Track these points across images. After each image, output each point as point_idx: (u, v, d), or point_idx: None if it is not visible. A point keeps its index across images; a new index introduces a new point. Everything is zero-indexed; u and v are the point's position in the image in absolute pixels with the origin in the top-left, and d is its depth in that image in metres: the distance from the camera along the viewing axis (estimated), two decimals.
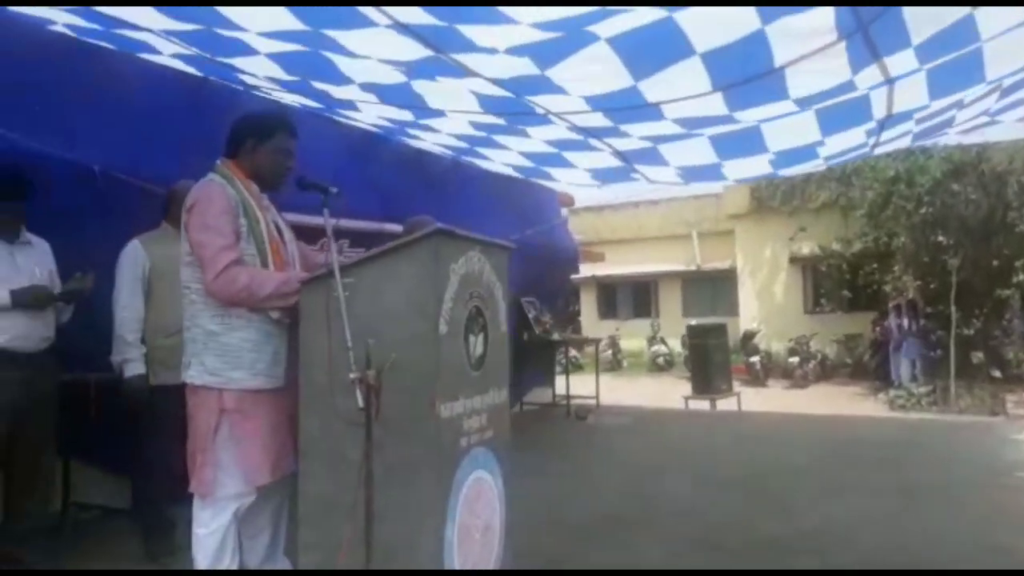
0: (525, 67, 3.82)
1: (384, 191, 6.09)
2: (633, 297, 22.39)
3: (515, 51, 3.63)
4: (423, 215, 4.48)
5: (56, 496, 3.59)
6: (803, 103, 4.37)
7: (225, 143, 2.75)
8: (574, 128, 4.95)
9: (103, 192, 3.97)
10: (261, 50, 3.91)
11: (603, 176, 6.52)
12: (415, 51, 3.66)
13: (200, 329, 2.62)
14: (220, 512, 2.62)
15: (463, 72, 3.93)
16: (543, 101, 4.39)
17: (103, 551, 3.70)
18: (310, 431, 2.53)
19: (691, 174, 6.05)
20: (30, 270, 3.21)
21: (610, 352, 19.62)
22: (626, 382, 15.97)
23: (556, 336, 8.80)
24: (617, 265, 21.69)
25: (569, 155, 5.81)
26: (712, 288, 20.22)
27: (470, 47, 3.57)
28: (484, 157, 6.47)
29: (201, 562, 2.62)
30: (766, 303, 17.61)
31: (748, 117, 4.61)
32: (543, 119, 4.78)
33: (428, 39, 3.52)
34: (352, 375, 2.25)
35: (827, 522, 4.28)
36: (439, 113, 4.92)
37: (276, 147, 2.74)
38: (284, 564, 2.84)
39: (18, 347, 3.11)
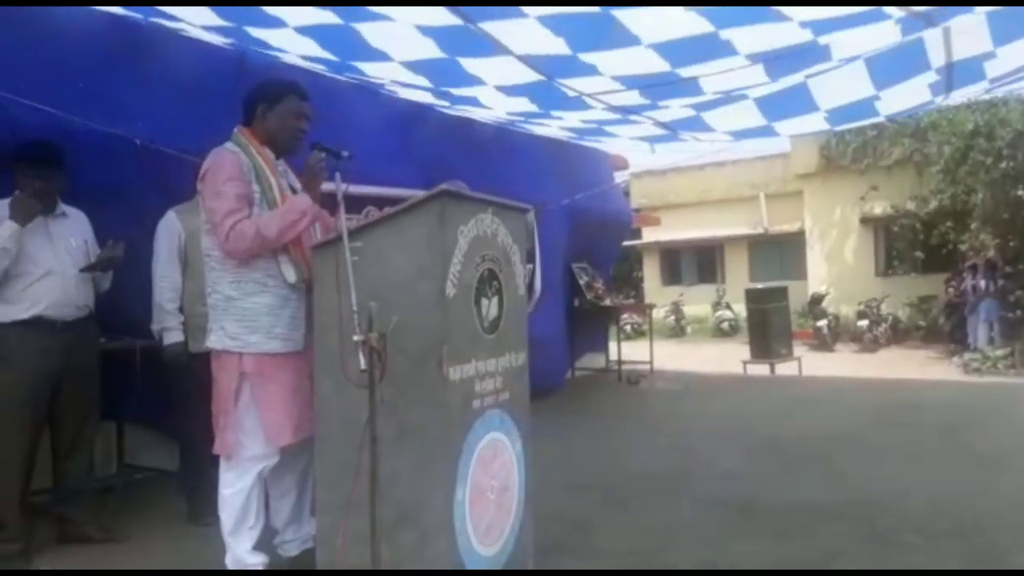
0: (558, 47, 3.74)
1: (426, 159, 6.08)
2: (698, 262, 21.98)
3: (548, 22, 3.54)
4: (456, 180, 4.49)
5: (99, 459, 3.72)
6: (849, 59, 4.17)
7: (241, 111, 2.79)
8: (610, 108, 4.85)
9: (145, 164, 4.08)
10: (290, 22, 3.93)
11: (649, 141, 6.38)
12: (444, 17, 3.60)
13: (220, 295, 2.68)
14: (244, 473, 2.70)
15: (493, 48, 3.85)
16: (575, 84, 4.31)
17: (148, 512, 3.85)
18: (324, 394, 2.58)
19: (742, 135, 5.86)
20: (65, 241, 3.31)
21: (673, 318, 19.39)
22: (688, 348, 15.73)
23: (608, 302, 8.70)
24: (681, 230, 21.35)
25: (610, 128, 5.70)
26: (780, 251, 19.66)
27: (500, 12, 3.50)
28: (525, 129, 6.41)
29: (226, 521, 2.71)
30: (836, 266, 17.04)
31: (792, 79, 4.43)
32: (576, 102, 4.69)
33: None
34: (356, 337, 2.26)
35: (873, 488, 4.14)
36: (472, 100, 4.90)
37: (286, 110, 2.76)
38: (310, 525, 2.91)
39: (55, 315, 3.22)
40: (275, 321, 2.67)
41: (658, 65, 3.86)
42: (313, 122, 5.29)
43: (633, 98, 4.55)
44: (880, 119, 5.96)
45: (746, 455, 5.06)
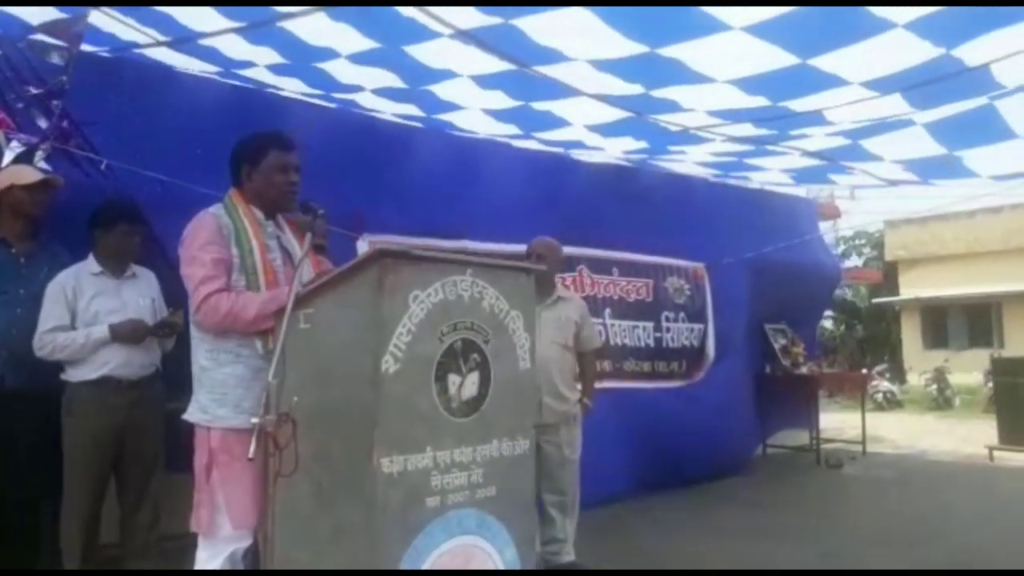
0: (627, 87, 3.34)
1: (574, 214, 5.72)
2: (968, 323, 19.04)
3: (603, 66, 3.16)
4: (545, 237, 4.11)
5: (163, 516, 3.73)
6: None
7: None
8: (731, 139, 4.22)
9: None
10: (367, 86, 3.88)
11: (802, 177, 5.51)
12: (495, 63, 3.33)
13: (197, 365, 2.55)
14: (217, 554, 2.51)
15: (563, 90, 3.51)
16: (670, 119, 3.80)
17: None
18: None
19: (924, 170, 4.84)
20: (134, 303, 3.44)
21: (935, 388, 16.82)
22: (949, 425, 13.38)
23: (804, 369, 7.60)
24: (947, 285, 18.74)
25: (753, 160, 4.99)
26: None
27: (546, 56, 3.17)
28: (660, 168, 5.86)
29: None
30: None
31: (971, 103, 3.53)
32: (687, 136, 4.15)
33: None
34: (253, 420, 1.99)
35: None
36: (577, 144, 4.56)
37: (271, 166, 2.58)
38: None
39: (120, 374, 3.34)
40: (245, 394, 2.46)
41: (751, 100, 3.26)
42: (444, 181, 5.19)
43: (749, 130, 3.91)
44: None
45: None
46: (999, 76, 3.16)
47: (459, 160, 5.29)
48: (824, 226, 12.01)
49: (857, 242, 24.14)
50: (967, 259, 18.44)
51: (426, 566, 2.13)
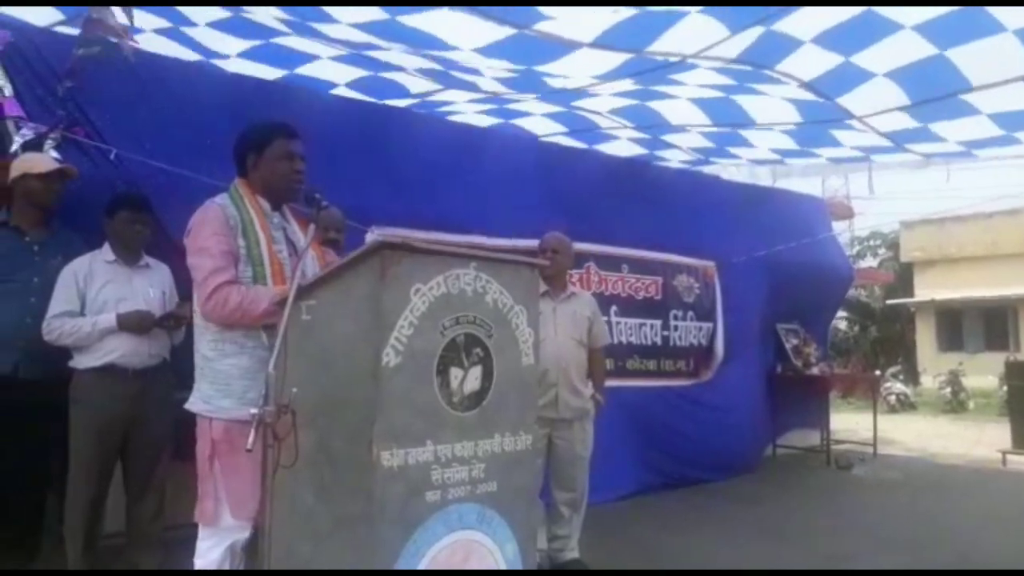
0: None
1: (578, 209, 5.67)
2: (984, 326, 18.85)
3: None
4: (556, 232, 4.08)
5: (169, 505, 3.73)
6: None
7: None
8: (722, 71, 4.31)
9: None
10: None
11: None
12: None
13: (199, 354, 2.55)
14: (217, 544, 2.51)
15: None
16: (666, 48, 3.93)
17: None
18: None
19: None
20: (144, 293, 3.45)
21: (949, 390, 16.66)
22: (962, 427, 13.25)
23: (815, 370, 7.53)
24: (963, 287, 18.56)
25: (752, 84, 4.84)
26: None
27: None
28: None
29: None
30: None
31: None
32: (684, 65, 4.28)
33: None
34: (252, 411, 1.98)
35: None
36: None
37: (276, 155, 2.57)
38: None
39: (126, 363, 3.35)
40: (249, 385, 2.46)
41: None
42: (453, 171, 5.21)
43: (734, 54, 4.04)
44: None
45: None
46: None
47: (467, 150, 5.28)
48: (839, 226, 11.95)
49: (872, 243, 23.94)
50: (984, 261, 18.26)
51: (426, 560, 2.12)
